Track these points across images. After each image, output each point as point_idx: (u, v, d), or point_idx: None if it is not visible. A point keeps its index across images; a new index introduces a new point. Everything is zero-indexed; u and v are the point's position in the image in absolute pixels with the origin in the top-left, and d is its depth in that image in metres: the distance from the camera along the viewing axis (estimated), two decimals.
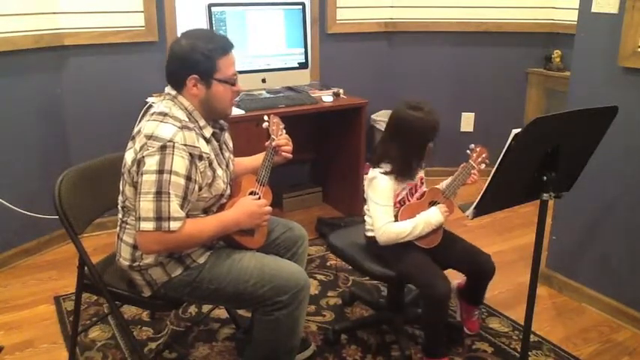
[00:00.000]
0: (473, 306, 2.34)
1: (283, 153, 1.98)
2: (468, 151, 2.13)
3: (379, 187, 2.06)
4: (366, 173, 2.17)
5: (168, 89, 1.79)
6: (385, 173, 2.06)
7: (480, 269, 2.18)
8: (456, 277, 2.31)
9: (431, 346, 2.11)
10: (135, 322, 2.40)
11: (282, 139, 1.98)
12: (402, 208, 2.08)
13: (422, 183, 2.17)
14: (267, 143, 1.96)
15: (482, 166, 2.12)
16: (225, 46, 1.77)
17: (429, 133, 2.03)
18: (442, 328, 2.09)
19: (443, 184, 2.19)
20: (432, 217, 2.06)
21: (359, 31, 3.85)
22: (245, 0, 3.27)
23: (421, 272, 2.02)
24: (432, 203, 2.11)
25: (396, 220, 2.07)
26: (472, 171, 2.11)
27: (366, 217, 2.17)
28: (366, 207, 2.16)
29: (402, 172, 2.07)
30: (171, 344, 2.27)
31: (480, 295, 2.31)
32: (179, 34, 1.81)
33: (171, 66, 1.77)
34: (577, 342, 2.33)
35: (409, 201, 2.12)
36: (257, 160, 2.03)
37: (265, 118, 1.98)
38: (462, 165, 2.13)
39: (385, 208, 2.05)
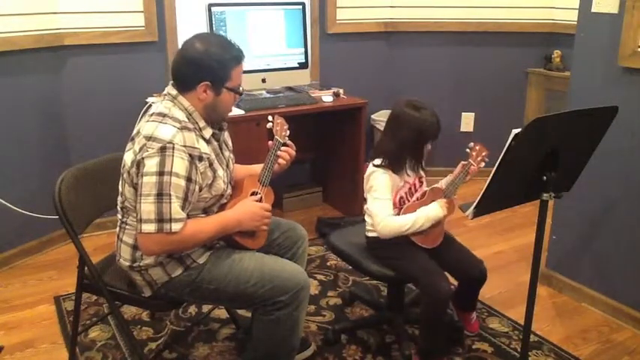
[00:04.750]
0: (468, 312, 2.34)
1: (280, 160, 1.97)
2: (468, 150, 2.13)
3: (376, 181, 2.06)
4: None
5: (168, 89, 1.78)
6: (379, 166, 2.07)
7: (470, 276, 2.17)
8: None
9: (428, 348, 2.11)
10: (135, 322, 2.40)
11: (284, 152, 1.97)
12: (404, 208, 2.08)
13: (421, 182, 2.17)
14: (269, 143, 1.96)
15: (482, 164, 2.12)
16: (239, 56, 1.77)
17: (425, 135, 2.03)
18: (441, 329, 2.09)
19: (442, 183, 2.20)
20: (432, 211, 2.05)
21: (359, 31, 3.85)
22: (245, 0, 3.27)
23: (423, 272, 2.02)
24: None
25: None
26: (471, 168, 2.11)
27: (366, 217, 2.17)
28: (366, 206, 2.16)
29: (393, 166, 2.06)
30: (171, 344, 2.27)
31: (473, 300, 2.31)
32: (190, 35, 1.79)
33: (183, 68, 1.74)
34: (577, 342, 2.33)
35: (409, 201, 2.12)
36: (255, 168, 2.03)
37: (269, 118, 1.97)
38: (461, 163, 2.13)
39: (384, 202, 2.05)
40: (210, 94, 1.74)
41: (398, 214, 2.07)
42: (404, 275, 2.09)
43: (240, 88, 1.82)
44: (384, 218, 2.03)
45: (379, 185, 2.05)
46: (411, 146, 2.05)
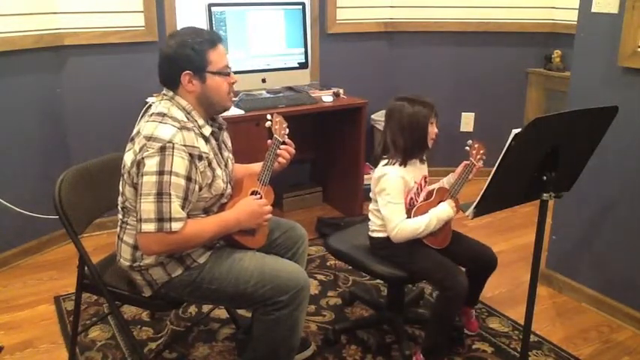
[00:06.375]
0: (469, 307, 2.35)
1: (280, 158, 1.97)
2: (467, 147, 2.14)
3: (388, 184, 2.04)
4: (367, 173, 2.17)
5: (165, 90, 1.80)
6: (389, 165, 2.06)
7: (484, 263, 2.20)
8: None
9: (432, 346, 2.10)
10: (135, 322, 2.40)
11: (283, 151, 1.97)
12: (414, 210, 2.07)
13: (425, 182, 2.17)
14: (269, 142, 1.96)
15: (481, 163, 2.13)
16: (212, 39, 1.78)
17: (423, 113, 2.03)
18: (448, 327, 2.09)
19: (444, 183, 2.20)
20: (443, 212, 2.06)
21: (359, 31, 3.85)
22: (245, 0, 3.27)
23: (440, 268, 2.03)
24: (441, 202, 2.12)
25: None
26: (474, 168, 2.13)
27: (370, 217, 2.15)
28: (371, 206, 2.15)
29: (406, 157, 2.06)
30: (171, 344, 2.27)
31: (478, 293, 2.31)
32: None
33: (163, 66, 1.77)
34: (577, 342, 2.33)
35: (416, 201, 2.12)
36: (254, 167, 2.03)
37: (268, 117, 1.97)
38: (463, 163, 2.15)
39: (398, 206, 2.04)
40: (196, 82, 1.75)
41: (408, 215, 2.07)
42: (417, 274, 2.09)
43: (228, 70, 1.81)
44: (398, 223, 2.02)
45: (392, 189, 2.04)
46: (416, 129, 2.04)
